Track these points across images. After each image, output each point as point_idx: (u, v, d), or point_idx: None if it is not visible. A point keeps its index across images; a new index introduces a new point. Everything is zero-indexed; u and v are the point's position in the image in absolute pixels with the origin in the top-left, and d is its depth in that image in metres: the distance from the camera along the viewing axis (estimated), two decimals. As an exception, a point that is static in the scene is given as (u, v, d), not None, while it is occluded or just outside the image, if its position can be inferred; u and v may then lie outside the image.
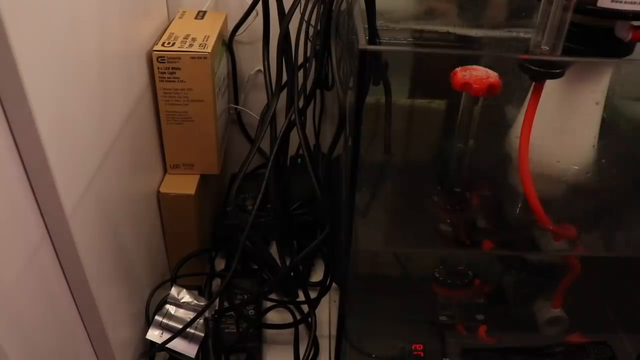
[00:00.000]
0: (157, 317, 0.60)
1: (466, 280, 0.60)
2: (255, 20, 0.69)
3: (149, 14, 0.62)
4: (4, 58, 0.34)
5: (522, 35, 0.54)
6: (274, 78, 0.59)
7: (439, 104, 0.61)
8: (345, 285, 0.53)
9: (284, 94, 0.59)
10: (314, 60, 0.58)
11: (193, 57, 0.60)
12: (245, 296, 0.67)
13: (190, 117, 0.63)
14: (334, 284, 0.62)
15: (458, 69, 0.45)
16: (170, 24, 0.66)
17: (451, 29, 0.57)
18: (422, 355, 0.56)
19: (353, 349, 0.57)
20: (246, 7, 0.69)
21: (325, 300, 0.65)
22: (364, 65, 0.36)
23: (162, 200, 0.66)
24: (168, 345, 0.58)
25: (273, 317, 0.69)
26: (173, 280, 0.65)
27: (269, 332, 0.68)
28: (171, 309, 0.61)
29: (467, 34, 0.56)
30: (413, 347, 0.56)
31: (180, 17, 0.67)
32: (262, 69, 0.62)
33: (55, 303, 0.44)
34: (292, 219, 0.71)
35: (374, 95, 0.53)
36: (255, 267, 0.73)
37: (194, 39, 0.61)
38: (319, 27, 0.53)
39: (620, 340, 0.60)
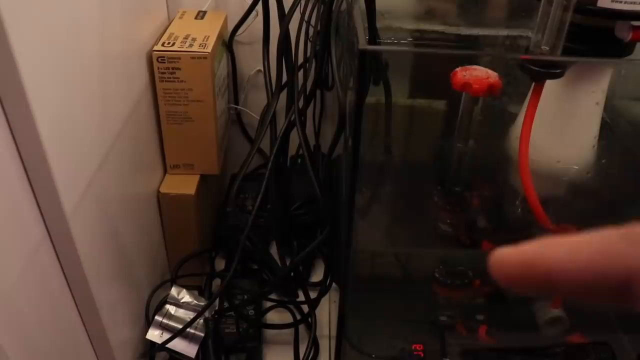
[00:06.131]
0: (157, 317, 0.60)
1: (466, 280, 0.60)
2: (255, 21, 0.69)
3: (149, 14, 0.62)
4: (4, 58, 0.34)
5: (522, 35, 0.54)
6: (274, 78, 0.60)
7: (439, 104, 0.61)
8: (345, 285, 0.53)
9: (284, 94, 0.59)
10: (314, 60, 0.58)
11: (193, 57, 0.60)
12: (245, 296, 0.67)
13: (190, 117, 0.63)
14: (334, 284, 0.62)
15: (458, 69, 0.45)
16: (170, 24, 0.66)
17: (451, 29, 0.57)
18: (422, 355, 0.56)
19: (353, 349, 0.57)
20: (246, 7, 0.69)
21: (325, 300, 0.65)
22: (364, 65, 0.36)
23: (162, 200, 0.66)
24: (168, 345, 0.58)
25: (273, 317, 0.69)
26: (173, 280, 0.65)
27: (269, 332, 0.68)
28: (171, 309, 0.61)
29: (467, 34, 0.56)
30: (413, 347, 0.56)
31: (180, 17, 0.67)
32: (262, 69, 0.62)
33: (55, 303, 0.44)
34: (292, 219, 0.71)
35: (374, 95, 0.53)
36: (255, 267, 0.73)
37: (194, 39, 0.61)
38: (319, 27, 0.53)
39: (621, 340, 0.60)
